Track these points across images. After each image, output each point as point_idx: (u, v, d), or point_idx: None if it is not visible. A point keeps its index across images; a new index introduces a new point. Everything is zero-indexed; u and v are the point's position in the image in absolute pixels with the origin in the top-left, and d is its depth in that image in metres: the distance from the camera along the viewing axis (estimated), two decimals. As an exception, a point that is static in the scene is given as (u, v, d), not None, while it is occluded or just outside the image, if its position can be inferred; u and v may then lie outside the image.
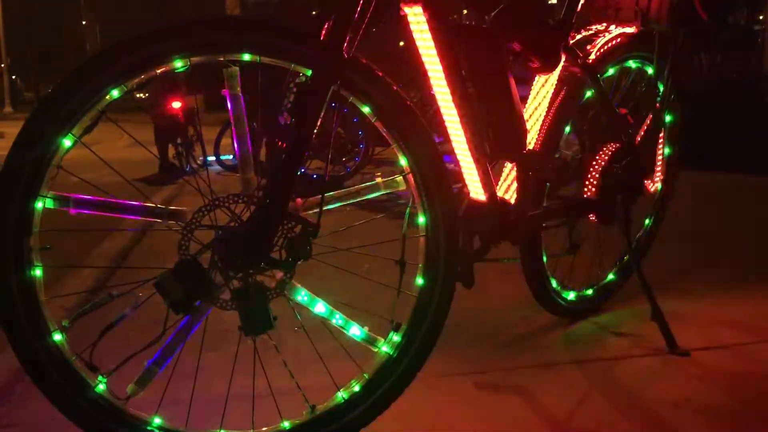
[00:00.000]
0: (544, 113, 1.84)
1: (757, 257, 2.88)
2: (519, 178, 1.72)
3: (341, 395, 1.40)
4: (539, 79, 1.84)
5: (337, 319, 1.40)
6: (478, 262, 1.70)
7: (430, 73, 1.52)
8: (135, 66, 1.20)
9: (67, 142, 1.20)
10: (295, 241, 1.27)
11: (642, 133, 2.10)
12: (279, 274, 1.31)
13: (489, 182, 1.62)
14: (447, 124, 1.56)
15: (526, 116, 1.80)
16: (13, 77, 28.23)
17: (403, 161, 1.40)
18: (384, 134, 1.39)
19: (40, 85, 27.49)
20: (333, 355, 1.47)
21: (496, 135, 1.61)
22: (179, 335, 1.29)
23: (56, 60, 28.21)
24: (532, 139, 1.82)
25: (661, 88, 2.09)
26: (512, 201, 1.74)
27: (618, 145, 1.99)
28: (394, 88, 1.36)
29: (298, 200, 1.33)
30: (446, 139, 1.61)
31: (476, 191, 1.63)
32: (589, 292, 2.20)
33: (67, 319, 1.25)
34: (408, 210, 1.43)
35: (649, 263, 2.25)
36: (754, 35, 7.98)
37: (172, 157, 6.23)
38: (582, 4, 1.86)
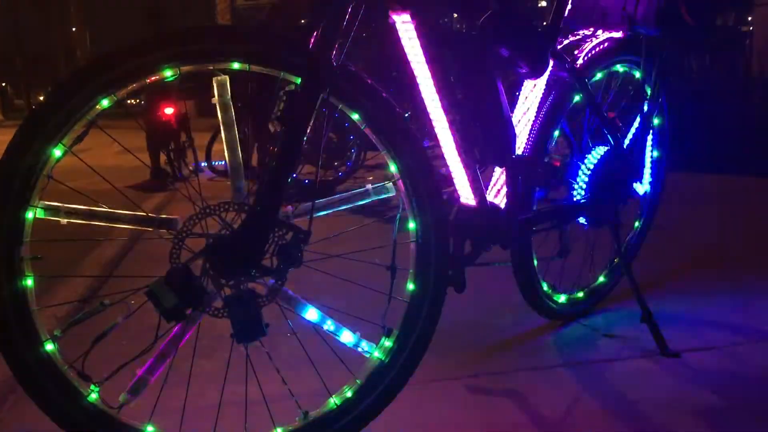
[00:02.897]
0: (533, 118, 1.85)
1: (747, 258, 2.90)
2: (509, 183, 1.74)
3: (334, 401, 1.41)
4: (528, 84, 1.86)
5: (329, 325, 1.41)
6: (469, 267, 1.71)
7: (419, 80, 1.53)
8: (125, 76, 1.21)
9: (57, 152, 1.20)
10: (286, 248, 1.28)
11: (630, 136, 2.12)
12: (270, 281, 1.32)
13: (479, 187, 1.63)
14: (436, 129, 1.57)
15: (515, 121, 1.81)
16: (3, 84, 28.09)
17: (392, 167, 1.40)
18: (374, 140, 1.40)
19: (31, 92, 27.38)
20: (325, 361, 1.48)
21: (486, 140, 1.63)
22: (171, 343, 1.30)
23: (46, 67, 28.09)
24: (521, 144, 1.83)
25: (649, 92, 2.11)
26: (502, 205, 1.75)
27: (607, 148, 2.01)
28: (383, 94, 1.37)
29: (289, 207, 1.34)
30: (436, 145, 1.62)
31: (466, 196, 1.64)
32: (580, 294, 2.22)
33: (59, 328, 1.26)
34: (398, 215, 1.44)
35: (639, 265, 2.26)
36: (743, 37, 8.04)
37: (164, 163, 6.21)
38: (569, 9, 1.88)
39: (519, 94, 1.87)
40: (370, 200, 1.44)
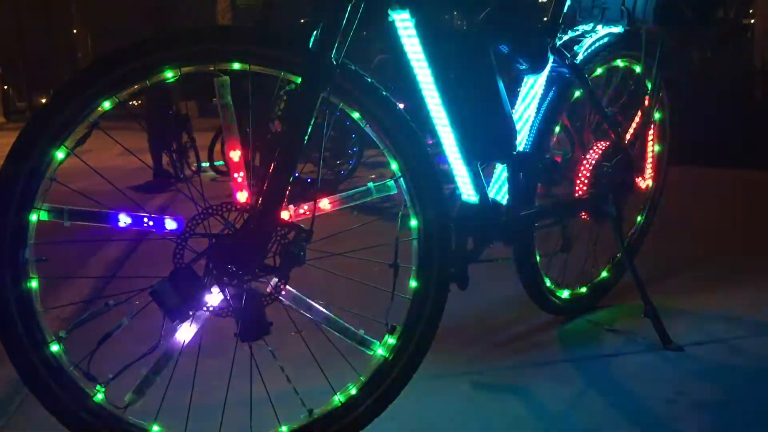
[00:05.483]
0: (534, 114, 1.85)
1: (749, 251, 2.90)
2: (510, 179, 1.74)
3: (338, 398, 1.41)
4: (528, 81, 1.86)
5: (333, 323, 1.41)
6: (472, 263, 1.71)
7: (419, 78, 1.53)
8: (126, 78, 1.21)
9: (60, 155, 1.21)
10: (288, 247, 1.28)
11: (631, 131, 2.12)
12: (274, 280, 1.32)
13: (481, 184, 1.63)
14: (438, 127, 1.58)
15: (515, 117, 1.81)
16: (5, 87, 28.12)
17: (394, 165, 1.41)
18: (375, 139, 1.41)
19: (33, 94, 27.40)
20: (329, 359, 1.48)
21: (487, 136, 1.63)
22: (176, 343, 1.30)
23: (48, 69, 28.09)
24: (522, 140, 1.83)
25: (650, 86, 2.11)
26: (504, 202, 1.76)
27: (608, 143, 2.01)
28: (384, 93, 1.37)
29: (292, 206, 1.34)
30: (437, 142, 1.62)
31: (468, 193, 1.65)
32: (583, 290, 2.22)
33: (65, 329, 1.26)
34: (401, 213, 1.44)
35: (641, 260, 2.27)
36: (744, 29, 8.02)
37: (166, 164, 6.22)
38: (569, 5, 1.88)
39: (519, 91, 1.87)
40: (372, 198, 1.44)
